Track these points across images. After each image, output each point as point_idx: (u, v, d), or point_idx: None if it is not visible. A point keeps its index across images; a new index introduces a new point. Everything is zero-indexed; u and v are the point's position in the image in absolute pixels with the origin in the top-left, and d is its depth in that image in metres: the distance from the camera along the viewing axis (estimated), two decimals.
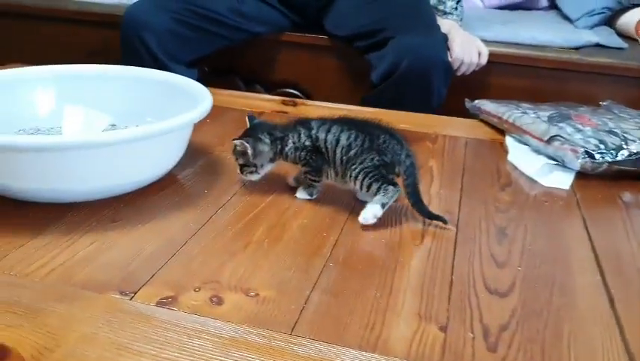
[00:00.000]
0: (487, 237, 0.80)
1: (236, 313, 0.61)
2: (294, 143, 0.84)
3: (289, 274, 0.69)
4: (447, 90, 1.44)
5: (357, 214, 0.83)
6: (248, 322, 0.60)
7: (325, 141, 0.82)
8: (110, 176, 0.80)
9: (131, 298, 0.63)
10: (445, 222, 0.81)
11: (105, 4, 1.82)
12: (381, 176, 0.79)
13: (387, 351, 0.57)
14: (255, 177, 0.87)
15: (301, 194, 0.87)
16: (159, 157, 0.84)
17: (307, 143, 0.83)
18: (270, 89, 1.74)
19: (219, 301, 0.63)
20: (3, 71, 1.00)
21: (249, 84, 1.76)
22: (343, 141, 0.81)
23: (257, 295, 0.65)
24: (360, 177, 0.80)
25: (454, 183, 0.96)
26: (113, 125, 1.00)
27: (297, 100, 1.36)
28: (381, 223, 0.81)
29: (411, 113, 1.28)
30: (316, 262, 0.71)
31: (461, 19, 1.61)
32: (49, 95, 0.99)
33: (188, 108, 0.85)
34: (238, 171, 0.87)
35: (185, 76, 1.01)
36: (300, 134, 0.84)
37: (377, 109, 1.30)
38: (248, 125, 0.88)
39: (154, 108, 0.97)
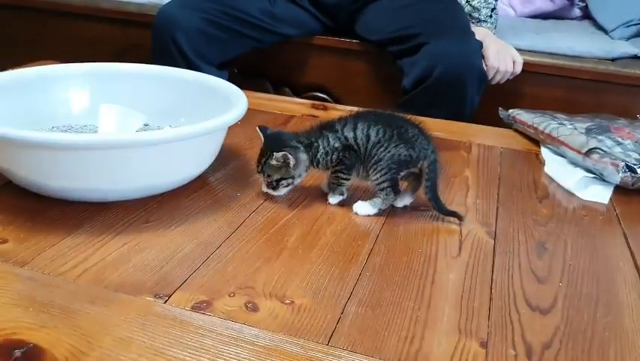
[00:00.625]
0: (527, 250, 0.78)
1: (271, 321, 0.60)
2: (324, 148, 0.82)
3: (324, 283, 0.67)
4: (480, 99, 1.41)
5: (392, 222, 0.82)
6: (284, 330, 0.59)
7: (355, 138, 0.81)
8: (145, 176, 0.79)
9: (165, 302, 0.62)
10: (460, 218, 0.82)
11: (138, 3, 1.83)
12: (394, 180, 0.81)
13: None
14: (285, 191, 0.83)
15: (334, 199, 0.85)
16: (195, 158, 0.83)
17: (337, 145, 0.82)
18: (298, 93, 1.73)
19: (254, 308, 0.62)
20: (37, 68, 1.00)
21: (278, 87, 1.75)
22: (373, 137, 0.80)
23: (292, 302, 0.63)
24: (382, 170, 0.80)
25: (490, 194, 0.94)
26: (146, 125, 1.00)
27: (328, 104, 1.35)
28: (416, 232, 0.79)
29: (444, 120, 1.26)
30: (352, 271, 0.70)
31: (495, 27, 1.58)
32: (82, 93, 0.99)
33: (221, 110, 0.84)
34: (266, 188, 0.83)
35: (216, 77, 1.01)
36: (328, 138, 0.82)
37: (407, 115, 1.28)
38: (262, 138, 0.84)
39: (187, 109, 0.97)
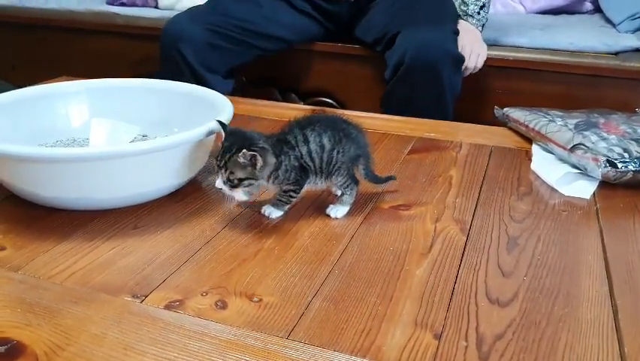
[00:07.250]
0: (497, 246, 0.80)
1: (237, 318, 0.64)
2: (286, 166, 0.81)
3: (294, 281, 0.71)
4: (461, 83, 1.42)
5: (369, 223, 0.85)
6: (248, 326, 0.63)
7: (310, 152, 0.82)
8: (135, 185, 0.84)
9: (141, 301, 0.67)
10: (393, 178, 0.93)
11: (149, 17, 1.90)
12: (352, 174, 0.86)
13: (378, 357, 0.59)
14: (241, 193, 0.80)
15: (276, 213, 0.86)
16: (180, 166, 0.87)
17: (296, 164, 0.82)
18: (305, 99, 1.78)
19: (223, 306, 0.66)
20: (39, 86, 1.07)
21: (285, 94, 1.80)
22: (327, 144, 0.83)
23: (260, 300, 0.67)
24: (343, 171, 0.85)
25: (471, 192, 0.97)
26: (144, 136, 1.05)
27: (326, 109, 1.39)
28: (391, 231, 0.83)
29: (437, 121, 1.28)
30: (322, 269, 0.74)
31: (483, 25, 1.59)
32: (83, 108, 1.06)
33: (209, 118, 0.89)
34: (222, 185, 0.79)
35: (222, 86, 1.07)
36: (290, 157, 0.81)
37: (402, 117, 1.31)
38: (222, 133, 0.82)
39: (181, 119, 1.02)
